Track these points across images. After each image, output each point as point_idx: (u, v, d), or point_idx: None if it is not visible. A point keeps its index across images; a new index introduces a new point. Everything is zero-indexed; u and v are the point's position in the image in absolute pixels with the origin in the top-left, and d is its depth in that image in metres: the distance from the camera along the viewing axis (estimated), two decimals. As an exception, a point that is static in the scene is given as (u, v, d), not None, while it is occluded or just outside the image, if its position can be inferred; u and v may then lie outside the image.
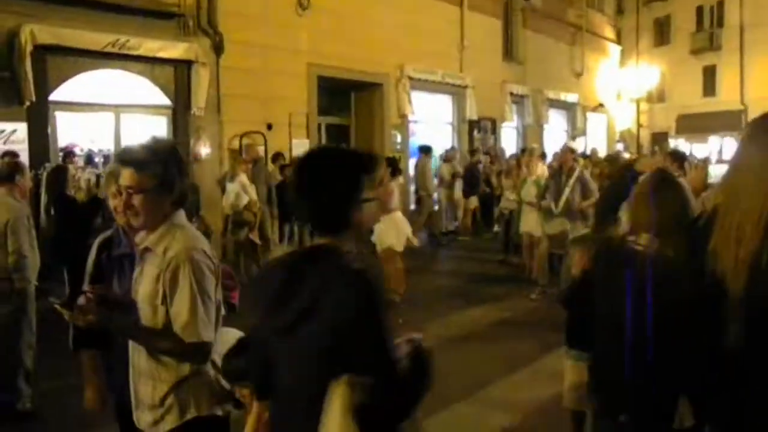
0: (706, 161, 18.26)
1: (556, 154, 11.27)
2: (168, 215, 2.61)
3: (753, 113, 26.85)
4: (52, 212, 7.86)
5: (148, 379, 2.61)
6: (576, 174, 9.08)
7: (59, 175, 7.77)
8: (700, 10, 35.31)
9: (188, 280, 2.50)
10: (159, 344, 2.57)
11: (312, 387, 1.87)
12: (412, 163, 17.11)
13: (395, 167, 9.40)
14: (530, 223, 9.96)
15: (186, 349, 2.52)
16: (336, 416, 1.78)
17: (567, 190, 8.96)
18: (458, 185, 15.53)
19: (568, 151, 9.49)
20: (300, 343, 1.92)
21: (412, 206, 16.81)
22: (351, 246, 2.01)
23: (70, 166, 8.86)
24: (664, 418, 2.55)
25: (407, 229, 9.05)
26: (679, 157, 8.46)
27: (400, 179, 9.99)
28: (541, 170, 10.63)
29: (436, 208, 16.12)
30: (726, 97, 33.20)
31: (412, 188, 17.02)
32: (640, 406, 2.60)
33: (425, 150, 15.52)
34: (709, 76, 34.81)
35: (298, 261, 2.02)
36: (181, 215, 2.67)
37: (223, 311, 3.35)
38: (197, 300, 2.50)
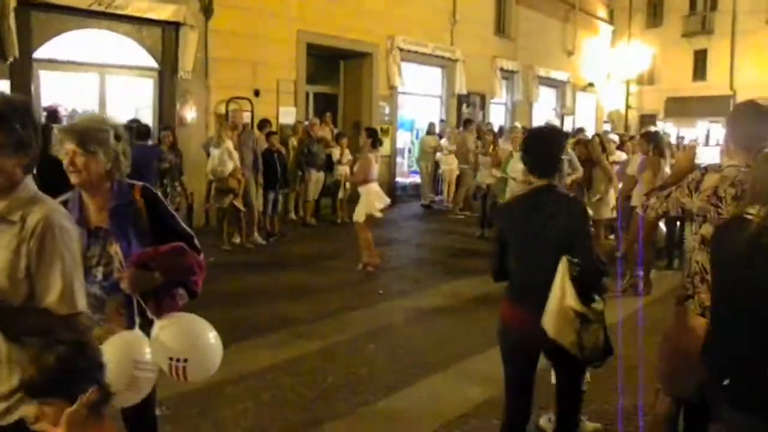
0: (695, 142, 18.29)
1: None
2: (19, 180, 2.35)
3: (741, 99, 26.96)
4: (35, 172, 7.75)
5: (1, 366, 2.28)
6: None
7: (43, 134, 7.63)
8: (693, -7, 35.23)
9: (59, 247, 2.26)
10: (26, 322, 2.25)
11: (549, 263, 3.22)
12: (399, 135, 17.07)
13: (375, 138, 9.33)
14: (513, 201, 9.96)
15: (58, 323, 2.24)
16: (560, 279, 3.19)
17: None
18: (446, 159, 15.54)
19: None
20: (545, 238, 3.33)
21: (399, 179, 16.81)
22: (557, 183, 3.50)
23: (54, 126, 8.71)
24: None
25: (381, 201, 9.15)
26: (651, 138, 8.58)
27: (381, 151, 9.93)
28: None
29: (404, 180, 16.26)
30: (715, 82, 33.22)
31: (399, 160, 17.01)
32: (743, 373, 2.64)
33: (466, 123, 15.44)
34: (700, 60, 34.80)
35: (538, 192, 3.45)
36: (31, 181, 2.42)
37: (185, 298, 3.08)
38: (70, 268, 2.28)
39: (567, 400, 3.58)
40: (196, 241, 3.11)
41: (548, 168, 3.44)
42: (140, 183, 3.07)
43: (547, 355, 3.51)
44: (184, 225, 3.17)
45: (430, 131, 15.95)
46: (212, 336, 2.97)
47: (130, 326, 2.84)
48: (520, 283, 3.56)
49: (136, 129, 8.95)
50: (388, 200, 9.42)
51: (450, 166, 15.61)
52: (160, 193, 3.29)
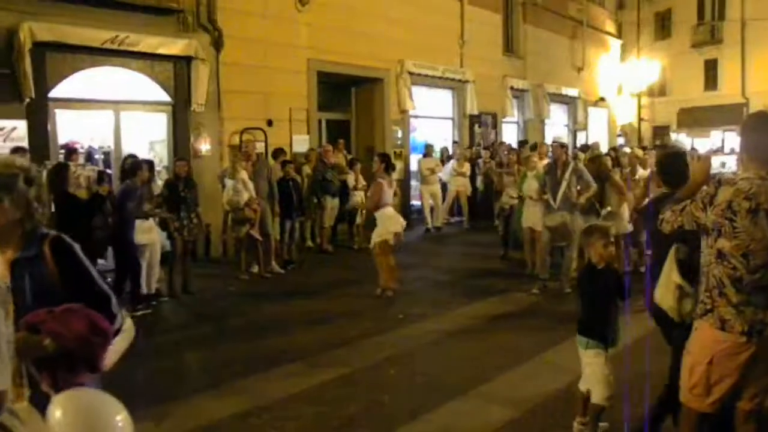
0: (709, 152, 18.21)
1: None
2: None
3: (754, 107, 26.99)
4: (53, 210, 7.83)
5: None
6: (571, 167, 9.09)
7: (60, 172, 7.75)
8: (701, 4, 35.24)
9: None
10: None
11: (667, 252, 3.98)
12: (413, 158, 17.11)
13: (388, 163, 9.34)
14: (532, 218, 9.93)
15: None
16: (669, 260, 3.95)
17: (564, 184, 8.97)
18: (454, 180, 15.62)
19: (558, 146, 9.51)
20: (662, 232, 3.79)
21: (414, 201, 16.82)
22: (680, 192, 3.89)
23: (71, 164, 8.83)
24: None
25: (398, 225, 9.15)
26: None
27: (394, 175, 9.94)
28: (542, 165, 10.57)
29: (419, 203, 16.24)
30: (727, 91, 33.14)
31: (413, 183, 17.01)
32: None
33: (521, 144, 15.32)
34: (711, 69, 34.76)
35: (662, 197, 4.34)
36: None
37: (86, 374, 2.57)
38: None
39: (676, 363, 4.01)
40: (113, 304, 2.71)
41: (674, 181, 4.35)
42: (54, 233, 2.69)
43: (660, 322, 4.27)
44: (102, 283, 2.75)
45: (426, 153, 15.78)
46: (115, 420, 2.46)
47: (32, 398, 2.46)
48: (657, 266, 4.17)
49: (122, 167, 8.87)
50: (403, 222, 9.42)
51: (458, 186, 15.68)
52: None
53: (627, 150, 13.31)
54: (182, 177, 9.45)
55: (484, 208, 15.86)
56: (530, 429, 4.82)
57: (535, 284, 9.28)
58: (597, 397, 4.38)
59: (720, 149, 26.40)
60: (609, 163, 10.31)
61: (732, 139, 27.87)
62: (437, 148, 16.82)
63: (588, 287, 4.56)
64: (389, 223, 9.00)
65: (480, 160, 16.26)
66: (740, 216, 3.21)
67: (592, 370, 4.40)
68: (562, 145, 9.67)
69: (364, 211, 12.87)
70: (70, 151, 10.21)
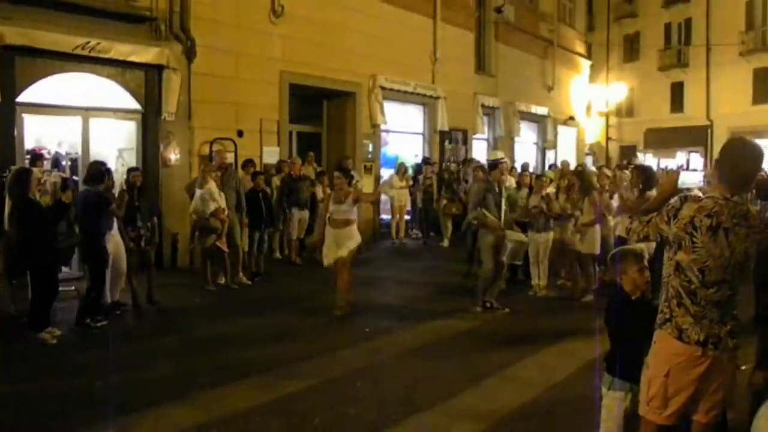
0: (679, 168, 18.54)
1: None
2: None
3: (718, 129, 27.48)
4: (15, 215, 7.68)
5: None
6: (506, 185, 9.07)
7: (21, 177, 7.58)
8: (668, 28, 36.02)
9: None
10: None
11: None
12: (384, 172, 17.15)
13: (351, 177, 9.21)
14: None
15: None
16: None
17: (502, 201, 8.88)
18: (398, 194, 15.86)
19: (478, 167, 9.35)
20: None
21: (384, 216, 16.85)
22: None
23: (36, 170, 8.65)
24: None
25: (357, 240, 8.95)
26: (642, 171, 8.87)
27: (358, 186, 9.87)
28: (509, 182, 10.63)
29: (388, 216, 16.32)
30: (692, 113, 33.86)
31: (383, 197, 17.04)
32: None
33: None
34: (677, 92, 35.49)
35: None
36: None
37: None
38: None
39: None
40: None
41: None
42: None
43: None
44: None
45: (398, 170, 16.05)
46: None
47: None
48: None
49: (87, 172, 8.62)
50: (359, 240, 9.22)
51: (401, 202, 15.92)
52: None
53: (593, 169, 13.49)
54: (136, 187, 9.22)
55: (427, 223, 16.45)
56: (494, 443, 4.85)
57: (479, 302, 9.07)
58: None
59: (683, 168, 26.91)
60: (594, 179, 10.21)
61: (696, 160, 28.43)
62: (405, 162, 16.87)
63: (620, 321, 3.93)
64: (351, 240, 8.82)
65: (421, 176, 16.39)
66: (701, 232, 3.30)
67: (606, 414, 3.91)
68: (483, 168, 9.41)
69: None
70: (36, 156, 10.05)
